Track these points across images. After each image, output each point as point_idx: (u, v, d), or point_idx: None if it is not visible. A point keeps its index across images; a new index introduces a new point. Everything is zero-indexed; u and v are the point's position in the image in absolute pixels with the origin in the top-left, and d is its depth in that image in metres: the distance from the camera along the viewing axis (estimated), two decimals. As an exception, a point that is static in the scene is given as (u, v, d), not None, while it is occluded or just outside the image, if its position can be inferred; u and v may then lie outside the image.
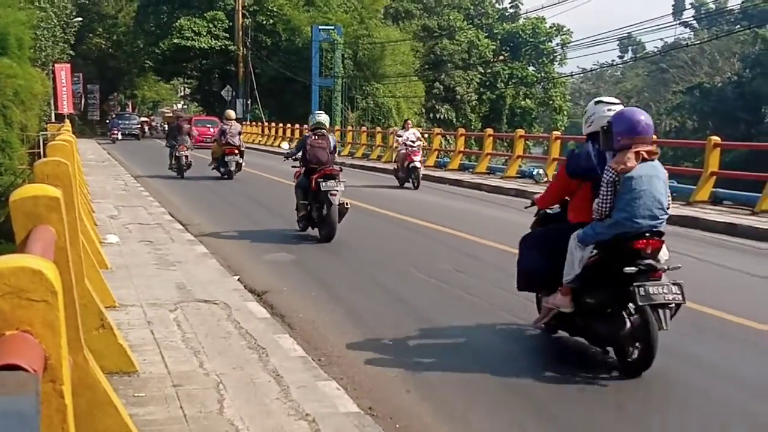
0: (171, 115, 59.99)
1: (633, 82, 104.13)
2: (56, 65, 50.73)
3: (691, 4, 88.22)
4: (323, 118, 13.88)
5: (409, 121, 26.14)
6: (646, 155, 6.30)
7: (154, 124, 80.00)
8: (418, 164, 22.91)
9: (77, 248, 5.45)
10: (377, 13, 64.36)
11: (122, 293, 8.23)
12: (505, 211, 17.27)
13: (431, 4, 74.27)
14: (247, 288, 9.04)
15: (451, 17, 71.14)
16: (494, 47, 72.85)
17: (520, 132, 28.19)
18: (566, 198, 7.20)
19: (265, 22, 60.94)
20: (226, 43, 60.95)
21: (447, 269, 10.54)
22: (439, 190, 22.68)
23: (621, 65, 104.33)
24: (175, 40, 59.80)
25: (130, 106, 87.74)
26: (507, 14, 79.73)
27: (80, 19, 58.17)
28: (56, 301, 2.27)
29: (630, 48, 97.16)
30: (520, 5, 79.25)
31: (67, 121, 36.10)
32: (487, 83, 71.54)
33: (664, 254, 6.62)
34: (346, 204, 12.89)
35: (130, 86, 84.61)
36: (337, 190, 12.60)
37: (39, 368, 2.08)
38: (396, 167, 24.07)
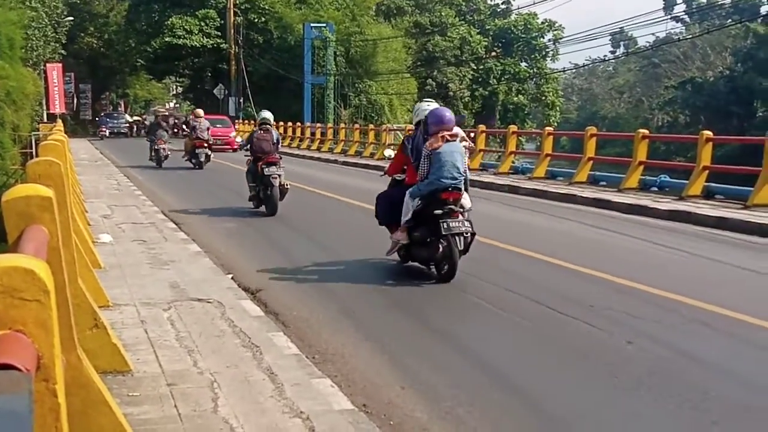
0: (165, 113, 61.31)
1: (625, 77, 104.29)
2: (48, 65, 50.58)
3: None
4: (267, 115, 17.07)
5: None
6: (449, 138, 9.65)
7: (147, 122, 79.88)
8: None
9: (70, 248, 5.45)
10: (369, 10, 64.35)
11: (116, 293, 8.23)
12: (497, 206, 17.31)
13: (423, 1, 74.36)
14: (241, 286, 9.04)
15: (442, 14, 71.19)
16: (486, 43, 72.96)
17: (513, 128, 28.09)
18: (404, 168, 10.46)
19: (256, 20, 60.88)
20: (218, 41, 60.88)
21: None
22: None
23: (613, 60, 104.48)
24: (167, 39, 59.72)
25: (123, 105, 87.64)
26: (499, 10, 79.86)
27: (71, 18, 58.01)
28: (49, 301, 2.27)
29: (622, 43, 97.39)
30: (511, 1, 79.41)
31: (59, 120, 35.99)
32: (480, 79, 71.68)
33: (467, 202, 9.85)
34: (287, 185, 15.96)
35: (122, 85, 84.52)
36: (277, 174, 15.64)
37: (32, 367, 2.09)
38: None
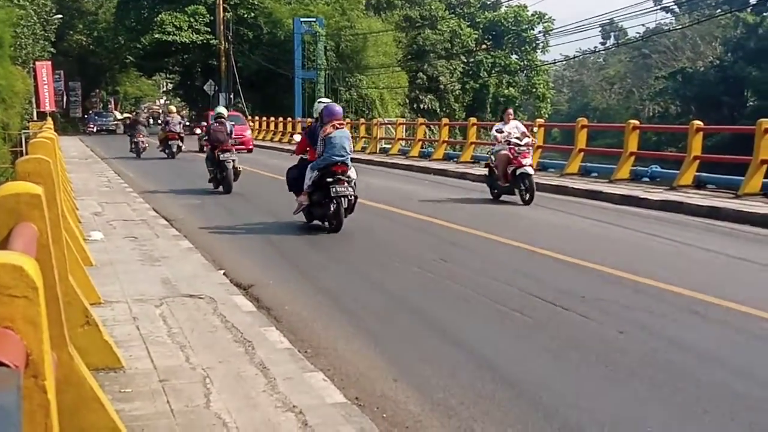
0: (158, 109, 62.94)
1: (615, 68, 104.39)
2: (37, 63, 50.47)
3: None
4: (222, 110, 20.81)
5: (510, 111, 18.32)
6: (338, 126, 12.87)
7: (141, 119, 79.77)
8: (530, 170, 16.58)
9: (60, 245, 5.44)
10: (359, 4, 64.20)
11: (107, 289, 8.21)
12: (487, 201, 17.33)
13: (413, -6, 74.22)
14: (233, 282, 9.04)
15: (432, 7, 71.12)
16: (477, 36, 72.93)
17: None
18: (307, 149, 13.46)
19: (246, 16, 60.77)
20: (208, 37, 60.71)
21: (432, 258, 10.57)
22: (421, 180, 22.63)
23: (603, 52, 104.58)
24: (156, 35, 59.57)
25: (113, 102, 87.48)
26: (489, 3, 79.74)
27: (60, 16, 57.92)
28: (37, 297, 2.27)
29: (612, 34, 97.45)
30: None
31: (49, 118, 35.96)
32: (471, 72, 71.66)
33: (353, 174, 13.00)
34: (239, 168, 19.39)
35: (111, 82, 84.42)
36: (231, 159, 19.03)
37: (20, 364, 2.09)
38: (490, 172, 17.63)
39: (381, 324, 7.57)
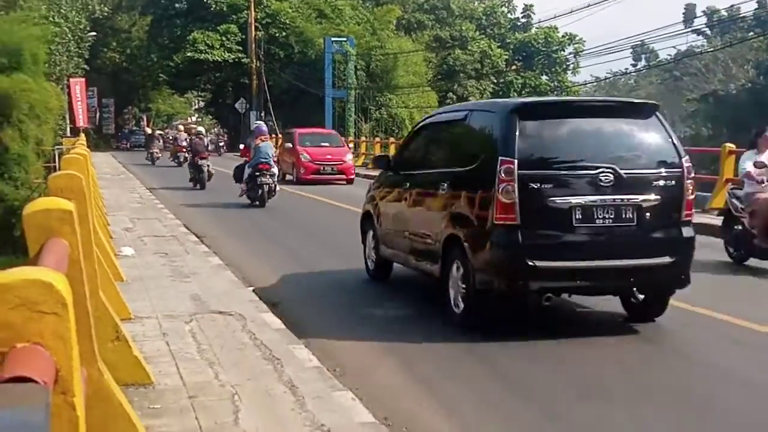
0: (195, 126, 64.96)
1: (647, 90, 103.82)
2: (71, 80, 50.93)
3: (703, 12, 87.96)
4: (201, 129, 31.64)
5: None
6: (263, 139, 20.78)
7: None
8: None
9: (91, 261, 5.45)
10: (389, 24, 64.31)
11: (138, 305, 8.23)
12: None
13: (443, 15, 74.26)
14: (262, 299, 9.03)
15: (463, 27, 71.15)
16: (507, 57, 72.82)
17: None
18: (247, 154, 21.58)
19: (277, 35, 61.05)
20: (240, 55, 61.04)
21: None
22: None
23: (634, 73, 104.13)
24: (189, 54, 59.94)
25: (145, 119, 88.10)
26: (519, 24, 79.70)
27: (94, 33, 58.47)
28: (67, 313, 2.26)
29: (643, 56, 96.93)
30: (532, 15, 79.22)
31: (82, 134, 36.35)
32: (500, 93, 71.46)
33: (274, 170, 20.48)
34: (212, 171, 26.22)
35: (144, 100, 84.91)
36: (206, 165, 25.89)
37: (49, 380, 2.07)
38: (730, 222, 12.25)
39: (409, 343, 7.52)
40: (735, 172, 17.02)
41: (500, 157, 7.41)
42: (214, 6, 61.97)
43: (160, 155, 42.21)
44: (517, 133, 7.49)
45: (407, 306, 9.30)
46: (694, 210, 8.36)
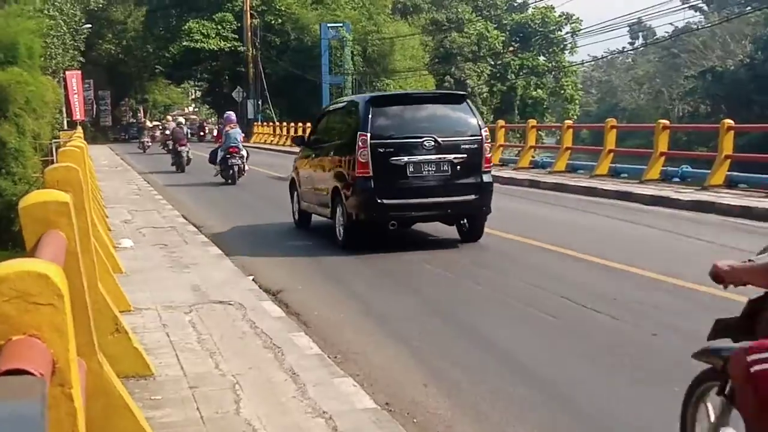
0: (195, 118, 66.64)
1: (644, 68, 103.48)
2: (67, 72, 50.78)
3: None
4: (181, 120, 38.65)
5: None
6: (232, 127, 24.07)
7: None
8: None
9: (89, 253, 5.45)
10: (385, 8, 64.18)
11: (137, 297, 8.24)
12: (518, 201, 17.24)
13: (439, -2, 74.10)
14: (262, 288, 9.04)
15: (459, 10, 70.92)
16: (504, 38, 72.60)
17: (533, 122, 27.68)
18: (220, 139, 26.01)
19: (273, 22, 60.90)
20: (236, 44, 60.89)
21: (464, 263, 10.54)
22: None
23: (632, 52, 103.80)
24: (185, 43, 59.80)
25: (142, 110, 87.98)
26: (515, 4, 79.45)
27: (89, 25, 58.19)
28: (63, 305, 2.26)
29: (640, 34, 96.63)
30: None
31: (79, 127, 36.23)
32: (498, 75, 71.36)
33: (243, 152, 23.77)
34: (190, 156, 29.45)
35: (140, 91, 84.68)
36: (186, 150, 29.22)
37: (46, 372, 2.07)
38: None
39: (411, 328, 7.53)
40: (734, 149, 16.99)
41: (359, 132, 11.12)
42: (209, -6, 61.86)
43: (150, 144, 46.32)
44: (370, 116, 11.19)
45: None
46: (492, 164, 12.56)
